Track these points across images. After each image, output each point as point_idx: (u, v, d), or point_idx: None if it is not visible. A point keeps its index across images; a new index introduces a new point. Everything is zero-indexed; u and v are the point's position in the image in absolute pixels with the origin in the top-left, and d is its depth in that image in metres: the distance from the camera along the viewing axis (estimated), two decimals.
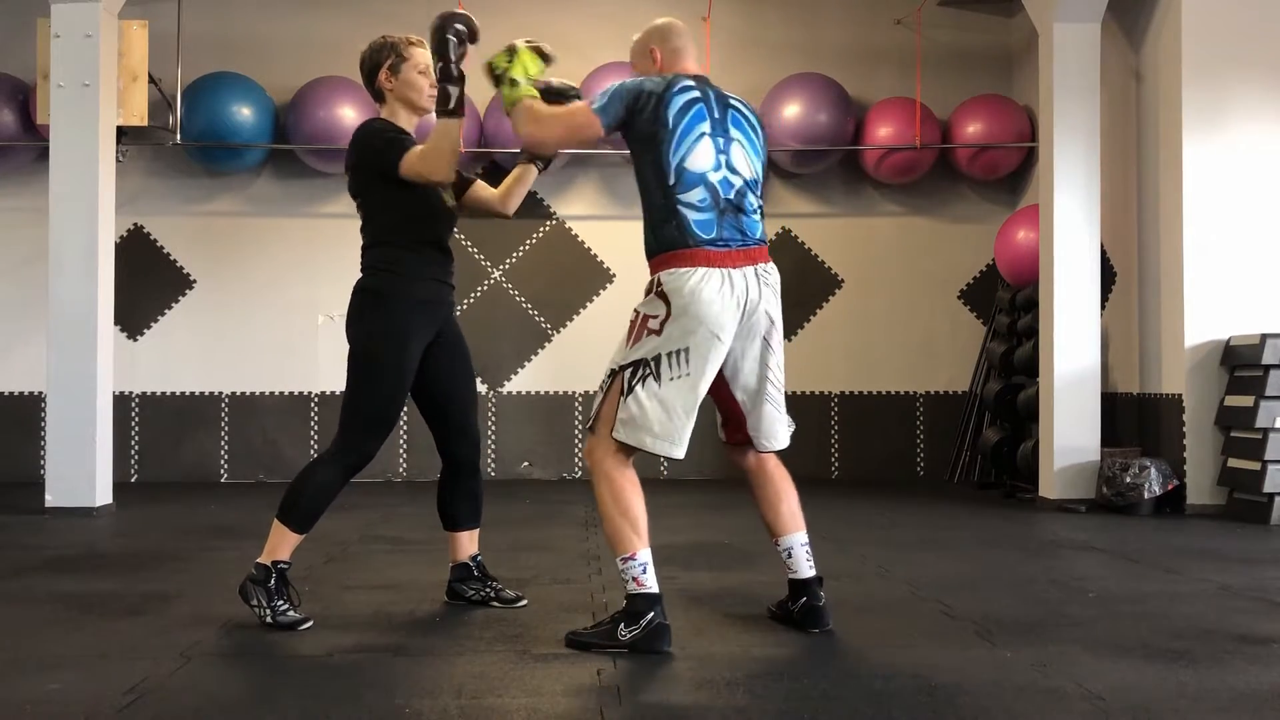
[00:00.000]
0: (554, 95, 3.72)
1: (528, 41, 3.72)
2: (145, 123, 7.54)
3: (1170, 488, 6.71)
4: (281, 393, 8.73)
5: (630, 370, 3.42)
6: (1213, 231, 6.74)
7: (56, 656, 3.30)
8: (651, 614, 3.33)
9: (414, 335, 3.75)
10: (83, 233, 6.71)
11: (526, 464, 8.75)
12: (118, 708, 2.80)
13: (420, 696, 2.90)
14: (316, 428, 8.71)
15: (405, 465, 8.73)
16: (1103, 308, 7.28)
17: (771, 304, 3.54)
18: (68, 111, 6.75)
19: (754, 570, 4.70)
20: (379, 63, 3.92)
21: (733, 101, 3.68)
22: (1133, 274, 7.45)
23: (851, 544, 5.55)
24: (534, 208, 8.86)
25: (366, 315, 3.78)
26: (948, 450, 8.82)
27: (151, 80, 7.68)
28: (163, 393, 8.69)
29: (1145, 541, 5.67)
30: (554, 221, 8.89)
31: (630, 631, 3.33)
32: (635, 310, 3.51)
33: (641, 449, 3.42)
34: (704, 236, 3.43)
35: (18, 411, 8.57)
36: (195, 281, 8.75)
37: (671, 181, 3.45)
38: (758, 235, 3.55)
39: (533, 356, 8.86)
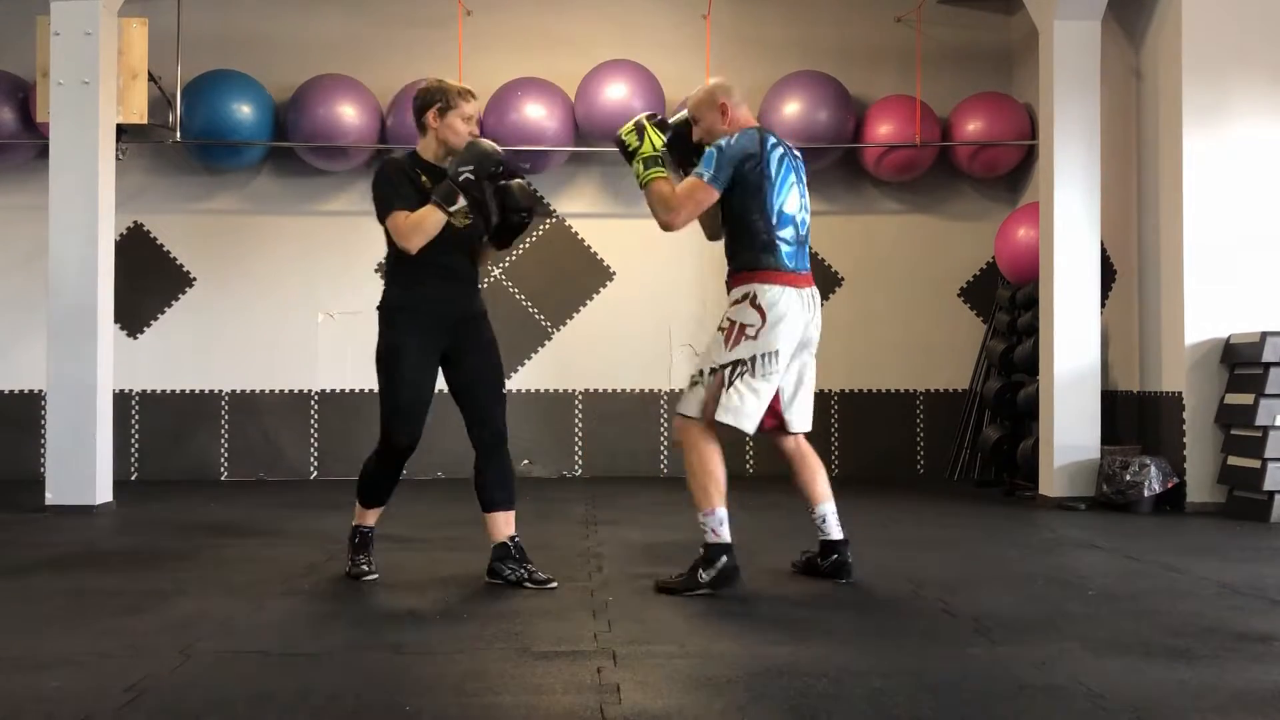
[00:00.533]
0: (676, 141, 4.43)
1: (649, 116, 4.42)
2: (145, 120, 7.53)
3: (1170, 485, 6.71)
4: (281, 390, 8.73)
5: (730, 368, 4.22)
6: (1213, 229, 6.74)
7: (56, 654, 3.30)
8: (724, 558, 4.14)
9: (415, 343, 4.28)
10: (82, 231, 6.71)
11: (527, 462, 8.74)
12: (118, 705, 2.80)
13: (420, 695, 2.90)
14: (316, 425, 8.71)
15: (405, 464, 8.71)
16: (1103, 305, 7.28)
17: (819, 319, 4.43)
18: (67, 109, 6.74)
19: (754, 569, 4.70)
20: (430, 103, 4.39)
21: (796, 152, 4.45)
22: (1133, 272, 7.45)
23: (851, 542, 5.54)
24: (533, 206, 8.84)
25: (380, 326, 4.35)
26: (948, 448, 8.82)
27: (151, 78, 7.67)
28: (163, 391, 8.69)
29: (1145, 539, 5.67)
30: (554, 219, 8.88)
31: (708, 573, 4.13)
32: (729, 319, 4.27)
33: (737, 427, 4.21)
34: (790, 266, 4.28)
35: (18, 410, 8.57)
36: (195, 279, 8.75)
37: (774, 221, 4.26)
38: (809, 265, 4.42)
39: (532, 354, 8.86)
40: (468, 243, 4.39)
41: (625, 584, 4.43)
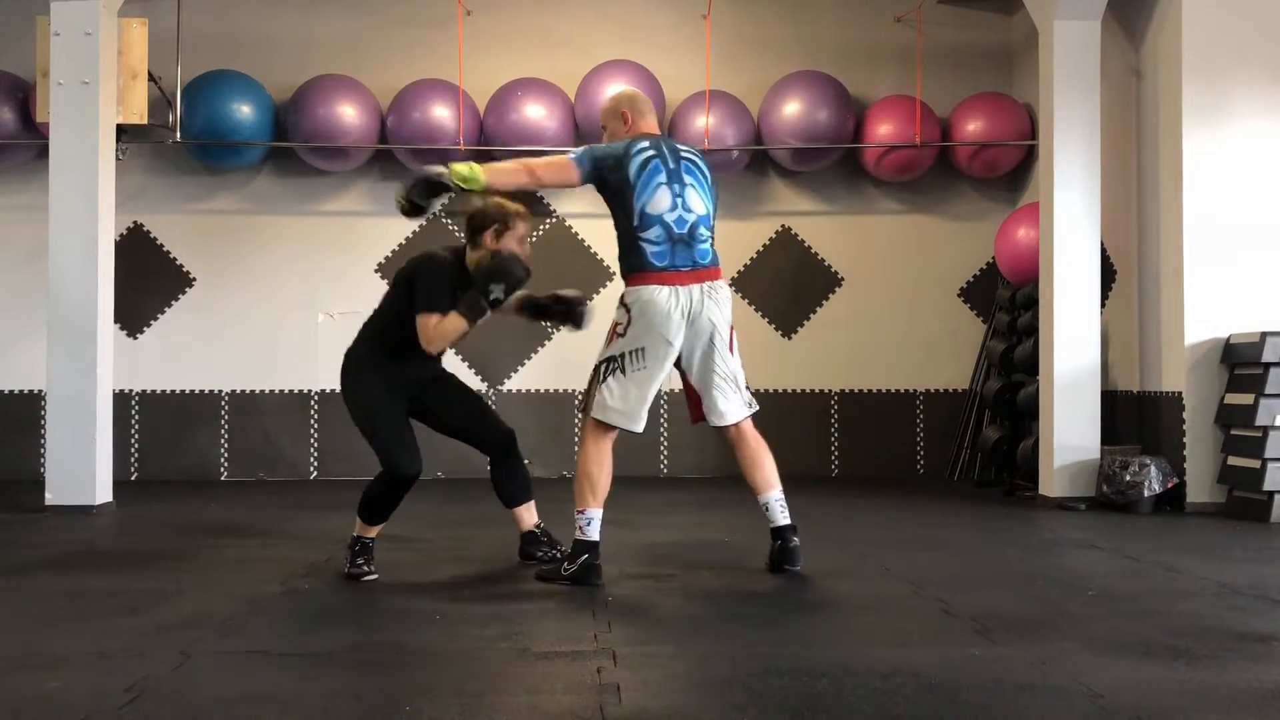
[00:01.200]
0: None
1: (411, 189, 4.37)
2: (145, 121, 7.53)
3: (1170, 486, 6.71)
4: (281, 390, 8.73)
5: (604, 365, 4.44)
6: (1213, 229, 6.74)
7: (57, 655, 3.30)
8: (586, 555, 4.36)
9: (386, 393, 4.64)
10: (82, 231, 6.71)
11: (527, 462, 8.70)
12: (118, 706, 2.80)
13: (420, 695, 2.90)
14: (316, 426, 8.71)
15: None
16: (1103, 306, 7.28)
17: (715, 313, 4.45)
18: (67, 109, 6.74)
19: (754, 568, 4.70)
20: (488, 225, 4.60)
21: (684, 152, 4.54)
22: (1133, 272, 7.45)
23: (851, 542, 5.55)
24: (533, 206, 8.85)
25: (349, 376, 4.77)
26: (948, 448, 8.82)
27: (151, 78, 7.68)
28: (163, 391, 8.69)
29: (1145, 539, 5.67)
30: (553, 219, 8.88)
31: (570, 567, 4.37)
32: (612, 319, 4.46)
33: (611, 424, 4.40)
34: (658, 264, 4.36)
35: (18, 409, 8.57)
36: (195, 279, 8.75)
37: (636, 223, 4.38)
38: (708, 260, 4.46)
39: (532, 355, 8.86)
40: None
41: (625, 584, 4.44)
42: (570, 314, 4.81)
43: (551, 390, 8.84)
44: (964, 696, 2.88)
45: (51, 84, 6.78)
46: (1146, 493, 6.67)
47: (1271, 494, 6.26)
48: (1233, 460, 6.53)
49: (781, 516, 4.54)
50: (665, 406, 8.74)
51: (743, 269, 8.90)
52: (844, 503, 7.13)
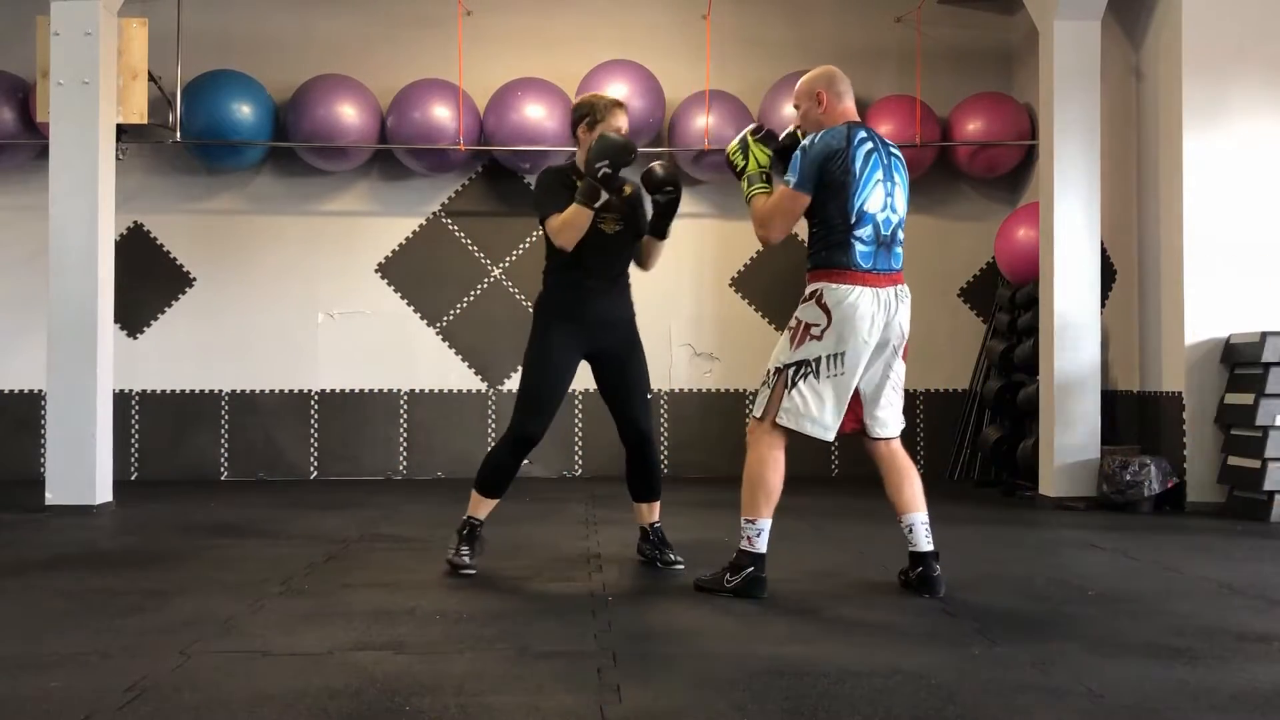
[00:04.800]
0: (780, 155, 4.35)
1: (753, 132, 4.34)
2: (145, 120, 7.52)
3: (1170, 486, 6.71)
4: (281, 390, 8.73)
5: (794, 369, 4.12)
6: (1213, 229, 6.74)
7: (57, 654, 3.30)
8: (751, 568, 4.12)
9: (562, 343, 4.56)
10: (83, 231, 6.71)
11: (527, 461, 8.70)
12: (118, 705, 2.80)
13: (420, 694, 2.90)
14: (316, 425, 8.70)
15: (405, 464, 8.73)
16: (1103, 305, 7.28)
17: (905, 317, 4.21)
18: (67, 109, 6.74)
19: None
20: (580, 117, 4.64)
21: (893, 149, 4.27)
22: (1133, 272, 7.45)
23: (851, 542, 5.56)
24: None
25: (533, 323, 4.66)
26: (948, 448, 8.82)
27: (151, 78, 7.67)
28: (163, 390, 8.69)
29: (1145, 539, 5.67)
30: None
31: (733, 579, 4.13)
32: (796, 318, 4.18)
33: (801, 432, 4.12)
34: (864, 265, 4.10)
35: (18, 409, 8.57)
36: (195, 279, 8.75)
37: (852, 220, 4.09)
38: (899, 264, 4.23)
39: None
40: (619, 249, 4.67)
41: (625, 584, 4.44)
42: (658, 209, 4.66)
43: None
44: (964, 696, 2.88)
45: (51, 84, 6.78)
46: (1146, 493, 6.67)
47: (1271, 494, 6.27)
48: (1233, 460, 6.53)
49: (925, 541, 4.22)
50: (665, 405, 8.74)
51: (743, 269, 8.90)
52: (844, 503, 7.13)
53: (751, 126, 4.40)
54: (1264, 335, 6.38)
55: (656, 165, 4.63)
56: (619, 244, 4.66)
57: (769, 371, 4.20)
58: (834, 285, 4.10)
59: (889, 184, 4.17)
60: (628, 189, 4.65)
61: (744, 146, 4.32)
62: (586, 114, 4.61)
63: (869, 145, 4.13)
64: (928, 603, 4.07)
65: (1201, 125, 6.76)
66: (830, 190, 4.09)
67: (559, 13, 8.88)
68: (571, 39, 8.83)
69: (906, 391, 9.33)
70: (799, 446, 4.26)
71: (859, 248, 4.10)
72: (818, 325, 4.10)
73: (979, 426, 8.56)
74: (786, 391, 4.12)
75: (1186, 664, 3.20)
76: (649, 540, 4.84)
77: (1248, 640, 3.49)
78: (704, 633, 3.61)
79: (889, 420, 4.27)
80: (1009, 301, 8.36)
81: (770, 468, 4.14)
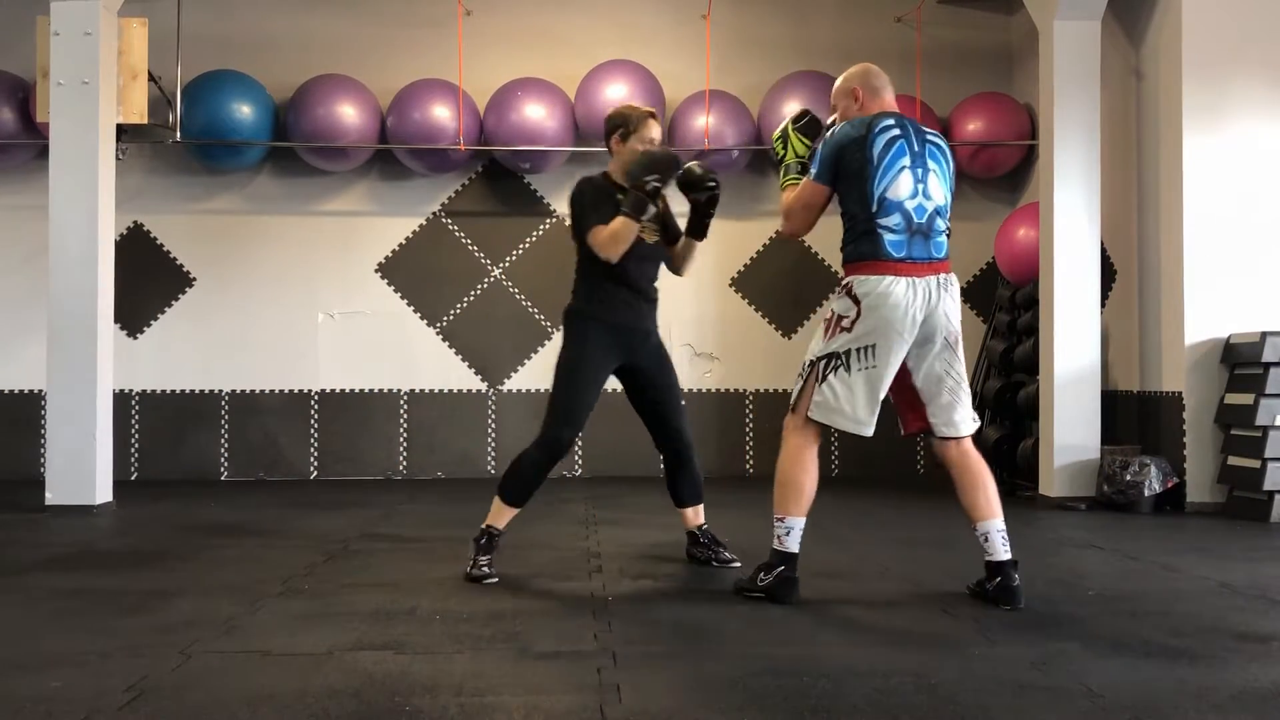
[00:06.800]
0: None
1: (795, 119, 4.25)
2: (145, 120, 7.53)
3: (1170, 485, 6.71)
4: (281, 391, 8.73)
5: (825, 361, 4.01)
6: (1213, 229, 6.74)
7: (57, 654, 3.30)
8: (783, 567, 4.03)
9: (594, 352, 4.55)
10: (83, 231, 6.71)
11: None
12: (118, 705, 2.80)
13: (420, 694, 2.90)
14: (316, 426, 8.71)
15: (405, 464, 8.73)
16: (1103, 305, 7.28)
17: (951, 308, 4.02)
18: (67, 109, 6.74)
19: (752, 567, 4.69)
20: (614, 128, 4.67)
21: (929, 136, 4.11)
22: (1133, 272, 7.45)
23: (851, 542, 5.56)
24: (533, 205, 8.86)
25: (565, 331, 4.65)
26: None
27: (151, 78, 7.67)
28: (163, 390, 8.69)
29: (1145, 539, 5.67)
30: (553, 219, 8.88)
31: (766, 578, 4.04)
32: (829, 309, 4.06)
33: (835, 427, 4.00)
34: (896, 255, 3.94)
35: (18, 409, 8.57)
36: (195, 279, 8.75)
37: (874, 209, 3.95)
38: (943, 253, 4.05)
39: (532, 354, 8.86)
40: (652, 260, 4.65)
41: (625, 584, 4.43)
42: (696, 209, 4.60)
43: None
44: (964, 696, 2.88)
45: (51, 84, 6.78)
46: (1146, 493, 6.67)
47: (1271, 494, 6.27)
48: (1233, 460, 6.53)
49: (1003, 550, 4.00)
50: None
51: (743, 269, 8.90)
52: (844, 503, 7.13)
53: (796, 112, 4.32)
54: (1264, 335, 6.38)
55: (694, 165, 4.58)
56: (657, 254, 4.67)
57: (803, 364, 4.12)
58: (864, 276, 3.96)
59: (919, 170, 4.00)
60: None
61: (784, 135, 4.25)
62: (620, 125, 4.63)
63: (894, 132, 3.99)
64: (927, 603, 4.07)
65: (1201, 125, 6.76)
66: (850, 180, 3.99)
67: (559, 13, 8.88)
68: (571, 39, 8.83)
69: None
70: None
71: (888, 237, 3.94)
72: (848, 316, 3.97)
73: (979, 426, 8.55)
74: (818, 385, 4.02)
75: (1186, 664, 3.20)
76: (699, 543, 4.87)
77: (1248, 640, 3.49)
78: (704, 633, 3.61)
79: (955, 419, 4.10)
80: (1009, 301, 8.36)
81: (801, 465, 4.04)
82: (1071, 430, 7.06)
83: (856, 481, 8.36)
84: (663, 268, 4.80)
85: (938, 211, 4.03)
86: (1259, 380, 6.37)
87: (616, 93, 8.23)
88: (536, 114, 8.27)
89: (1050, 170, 7.18)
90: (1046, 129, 7.29)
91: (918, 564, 4.89)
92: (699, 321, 8.88)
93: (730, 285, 8.92)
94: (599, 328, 4.57)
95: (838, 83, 4.26)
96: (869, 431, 4.00)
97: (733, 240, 8.78)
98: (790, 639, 3.53)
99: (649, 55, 8.62)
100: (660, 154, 4.43)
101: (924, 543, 5.58)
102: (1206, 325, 6.73)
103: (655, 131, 4.62)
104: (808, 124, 4.24)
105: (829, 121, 4.29)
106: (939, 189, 4.05)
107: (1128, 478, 6.72)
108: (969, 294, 8.97)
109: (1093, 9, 7.09)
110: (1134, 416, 7.39)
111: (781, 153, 4.25)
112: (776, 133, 4.31)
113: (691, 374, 8.87)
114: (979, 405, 8.61)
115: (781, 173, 4.24)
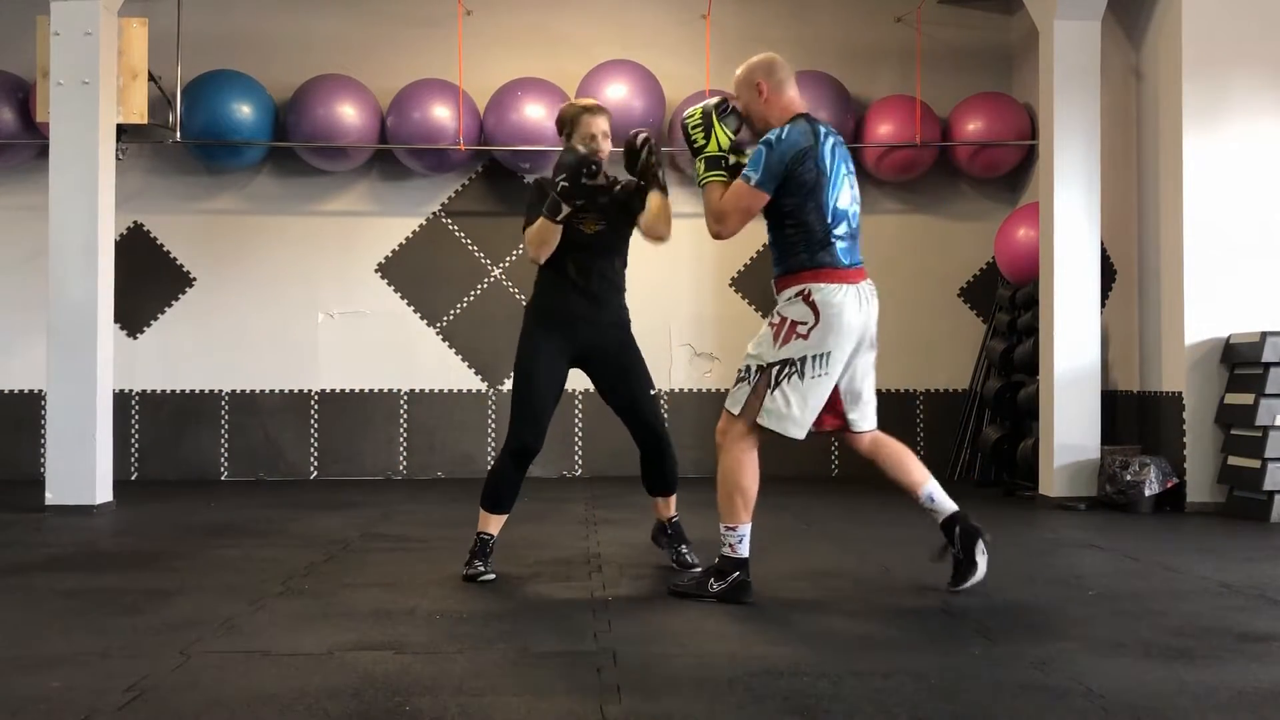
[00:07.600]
0: (737, 152, 4.18)
1: (718, 107, 4.11)
2: (145, 120, 7.53)
3: (1170, 485, 6.71)
4: (281, 390, 8.73)
5: (778, 368, 3.96)
6: (1213, 229, 6.74)
7: (57, 654, 3.30)
8: (737, 573, 4.03)
9: (544, 346, 4.54)
10: (83, 231, 6.71)
11: None
12: (118, 705, 2.80)
13: (420, 694, 2.90)
14: (316, 425, 8.71)
15: (405, 464, 8.73)
16: (1103, 305, 7.28)
17: (876, 310, 4.14)
18: (67, 109, 6.74)
19: (755, 569, 4.69)
20: (560, 128, 4.66)
21: (840, 139, 4.13)
22: (1133, 271, 7.45)
23: (851, 542, 5.56)
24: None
25: (521, 329, 4.65)
26: (948, 448, 8.81)
27: (151, 78, 7.67)
28: (163, 390, 8.69)
29: (1145, 539, 5.67)
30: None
31: (718, 585, 4.02)
32: (779, 314, 4.01)
33: (783, 434, 3.97)
34: (845, 262, 4.01)
35: (18, 409, 8.57)
36: (195, 279, 8.75)
37: (829, 220, 3.99)
38: (861, 258, 4.12)
39: None
40: (601, 249, 4.56)
41: (625, 584, 4.43)
42: (643, 179, 4.48)
43: None
44: (964, 696, 2.88)
45: (51, 84, 6.78)
46: (1147, 492, 6.67)
47: (1271, 494, 6.27)
48: (1233, 460, 6.53)
49: (948, 503, 4.12)
50: (665, 405, 8.73)
51: (742, 269, 8.90)
52: (844, 503, 7.13)
53: (717, 100, 4.14)
54: (1264, 335, 6.38)
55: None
56: (601, 244, 4.55)
57: (749, 367, 4.02)
58: (821, 285, 3.96)
59: (851, 177, 4.09)
60: (617, 188, 4.59)
61: (707, 122, 4.07)
62: (561, 125, 4.63)
63: (833, 139, 4.04)
64: (927, 603, 4.07)
65: (1201, 125, 6.76)
66: (804, 191, 3.95)
67: (559, 13, 8.88)
68: (571, 39, 8.83)
69: (907, 391, 9.37)
70: (801, 446, 4.24)
71: (839, 245, 4.00)
72: (804, 324, 3.95)
73: (979, 426, 8.56)
74: (769, 392, 3.96)
75: (1186, 664, 3.20)
76: (665, 534, 4.85)
77: (1248, 640, 3.48)
78: (703, 633, 3.61)
79: (870, 413, 4.20)
80: (1009, 301, 8.36)
81: (746, 472, 4.02)
82: (1071, 430, 7.06)
83: (857, 481, 8.36)
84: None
85: (859, 217, 4.14)
86: (1259, 380, 6.37)
87: (616, 93, 8.24)
88: (536, 114, 8.27)
89: (1050, 170, 7.18)
90: (1046, 129, 7.29)
91: (918, 564, 4.88)
92: (699, 321, 8.89)
93: (730, 285, 8.92)
94: (547, 322, 4.57)
95: (739, 73, 4.16)
96: (803, 436, 4.01)
97: (732, 240, 8.73)
98: (790, 639, 3.53)
99: (649, 55, 8.62)
100: (570, 157, 4.34)
101: (924, 542, 5.55)
102: (1206, 325, 6.73)
103: (596, 125, 4.52)
104: (730, 114, 4.10)
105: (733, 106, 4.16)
106: (858, 192, 4.16)
107: (1128, 478, 6.72)
108: (969, 294, 8.97)
109: (1093, 9, 7.09)
110: (1134, 416, 7.39)
111: (703, 142, 4.08)
112: (694, 118, 4.10)
113: (691, 374, 8.88)
114: (979, 405, 8.62)
115: (701, 164, 4.09)
